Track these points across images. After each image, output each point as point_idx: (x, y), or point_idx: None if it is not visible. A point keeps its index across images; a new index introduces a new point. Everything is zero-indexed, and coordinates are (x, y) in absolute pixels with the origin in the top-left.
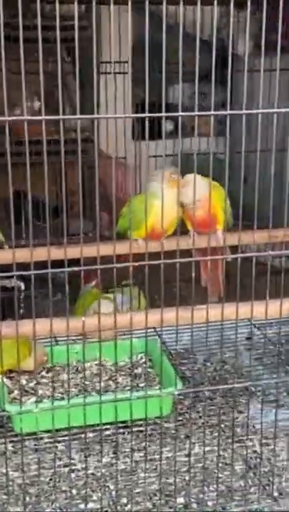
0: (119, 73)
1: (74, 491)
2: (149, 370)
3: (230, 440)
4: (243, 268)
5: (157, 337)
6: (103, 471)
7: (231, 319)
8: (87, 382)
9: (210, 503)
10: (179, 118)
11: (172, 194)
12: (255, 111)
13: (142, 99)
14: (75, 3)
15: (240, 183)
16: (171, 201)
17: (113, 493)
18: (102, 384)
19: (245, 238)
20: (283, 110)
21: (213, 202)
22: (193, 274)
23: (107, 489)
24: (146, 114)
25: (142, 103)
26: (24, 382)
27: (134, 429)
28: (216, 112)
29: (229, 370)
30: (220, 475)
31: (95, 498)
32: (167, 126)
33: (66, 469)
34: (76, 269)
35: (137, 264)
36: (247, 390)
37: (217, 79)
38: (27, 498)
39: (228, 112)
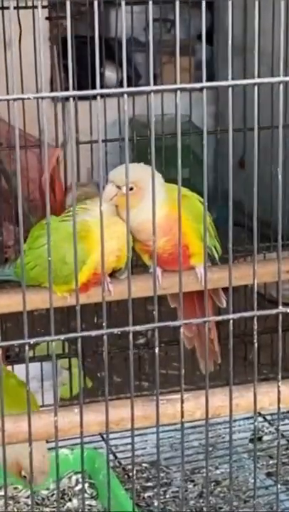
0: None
1: None
2: (90, 502)
3: None
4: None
5: (103, 443)
6: None
7: (221, 416)
8: None
9: None
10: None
11: (117, 224)
12: (276, 79)
13: (64, 32)
14: None
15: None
16: (116, 235)
17: None
18: None
19: (243, 273)
20: None
21: (183, 226)
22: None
23: None
24: (96, 91)
25: (64, 39)
26: None
27: None
28: (211, 82)
29: (224, 495)
30: None
31: None
32: (110, 74)
33: None
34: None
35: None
36: None
37: None
38: None
39: (231, 82)
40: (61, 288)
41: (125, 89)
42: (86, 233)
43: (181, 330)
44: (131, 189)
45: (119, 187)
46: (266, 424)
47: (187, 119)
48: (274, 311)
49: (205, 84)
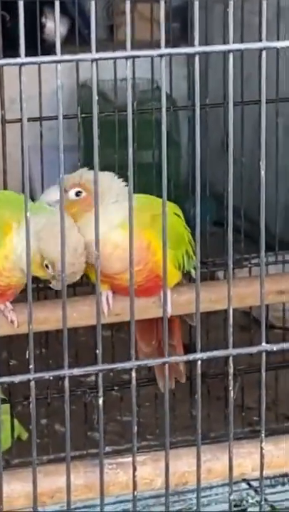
0: None
1: None
2: None
3: None
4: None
5: None
6: None
7: (189, 485)
8: None
9: None
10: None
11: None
12: (257, 45)
13: None
14: None
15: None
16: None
17: None
18: None
19: (222, 294)
20: None
21: (157, 255)
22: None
23: None
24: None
25: None
26: None
27: None
28: (172, 49)
29: None
30: None
31: None
32: (56, 28)
33: None
34: None
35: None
36: None
37: None
38: None
39: (198, 48)
40: None
41: (128, 52)
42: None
43: (133, 374)
44: (78, 194)
45: (65, 190)
46: (252, 492)
47: (154, 86)
48: (255, 349)
49: (164, 51)
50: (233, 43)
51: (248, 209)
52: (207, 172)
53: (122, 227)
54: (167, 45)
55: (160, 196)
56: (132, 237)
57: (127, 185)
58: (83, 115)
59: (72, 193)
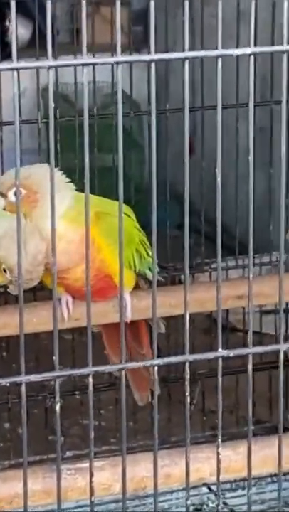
0: None
1: None
2: None
3: None
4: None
5: None
6: None
7: (148, 489)
8: None
9: None
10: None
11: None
12: (214, 52)
13: None
14: None
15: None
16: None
17: None
18: None
19: (181, 299)
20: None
21: (103, 254)
22: None
23: None
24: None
25: None
26: None
27: None
28: (128, 56)
29: None
30: None
31: None
32: (19, 30)
33: None
34: None
35: None
36: None
37: None
38: None
39: (154, 56)
40: None
41: (84, 59)
42: None
43: (90, 380)
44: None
45: (3, 194)
46: (212, 496)
47: (115, 90)
48: (212, 355)
49: (120, 58)
50: (194, 46)
51: (211, 212)
52: (168, 175)
53: (63, 218)
54: (127, 50)
55: (118, 199)
56: (89, 238)
57: (69, 181)
58: (44, 120)
59: (11, 195)
